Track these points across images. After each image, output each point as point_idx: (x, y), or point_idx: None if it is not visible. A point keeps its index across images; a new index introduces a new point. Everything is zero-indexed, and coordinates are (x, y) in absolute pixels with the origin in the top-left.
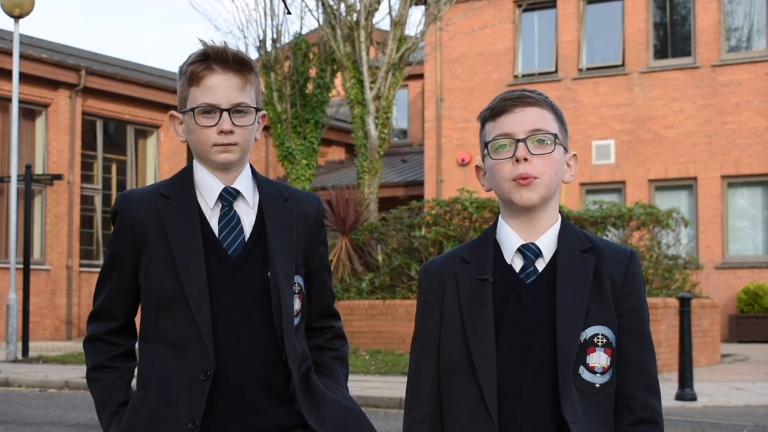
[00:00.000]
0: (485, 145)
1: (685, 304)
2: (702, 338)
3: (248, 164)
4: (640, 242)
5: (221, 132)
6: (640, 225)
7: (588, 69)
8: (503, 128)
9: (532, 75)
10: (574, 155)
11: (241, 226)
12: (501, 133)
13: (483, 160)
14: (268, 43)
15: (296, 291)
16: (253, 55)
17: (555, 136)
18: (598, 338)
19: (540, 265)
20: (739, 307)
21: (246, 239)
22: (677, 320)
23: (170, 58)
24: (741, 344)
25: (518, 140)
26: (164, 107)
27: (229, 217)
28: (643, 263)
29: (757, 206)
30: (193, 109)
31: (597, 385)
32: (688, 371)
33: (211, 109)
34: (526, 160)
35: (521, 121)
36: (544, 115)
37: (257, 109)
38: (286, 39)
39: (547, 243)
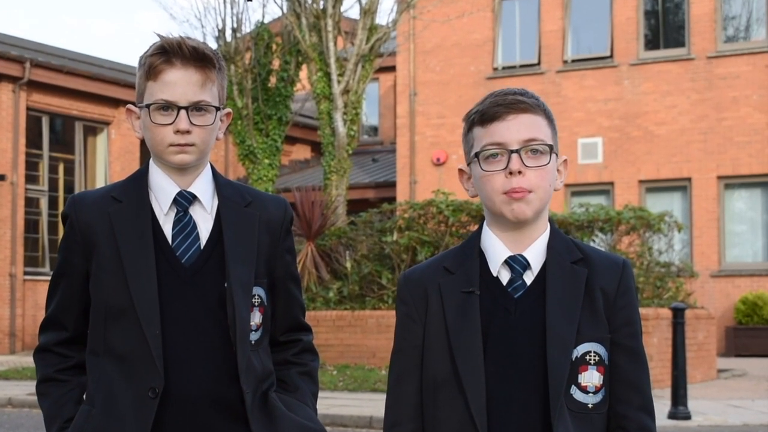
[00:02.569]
0: (475, 154)
1: (678, 315)
2: (697, 352)
3: (209, 166)
4: (629, 248)
5: (178, 131)
6: (629, 229)
7: (573, 61)
8: (495, 137)
9: (513, 67)
10: (565, 160)
11: (197, 233)
12: (492, 142)
13: (468, 165)
14: (228, 32)
15: (256, 303)
16: (212, 45)
17: (550, 147)
18: (590, 356)
19: (528, 277)
20: (736, 318)
21: (202, 247)
22: (670, 332)
23: (122, 49)
24: (739, 358)
25: (512, 151)
26: (115, 102)
27: (184, 223)
28: (633, 271)
29: (756, 209)
30: (148, 105)
31: (590, 406)
32: (682, 388)
33: (168, 106)
34: (520, 173)
35: (515, 129)
36: (538, 123)
37: (218, 108)
38: (247, 28)
39: (536, 254)
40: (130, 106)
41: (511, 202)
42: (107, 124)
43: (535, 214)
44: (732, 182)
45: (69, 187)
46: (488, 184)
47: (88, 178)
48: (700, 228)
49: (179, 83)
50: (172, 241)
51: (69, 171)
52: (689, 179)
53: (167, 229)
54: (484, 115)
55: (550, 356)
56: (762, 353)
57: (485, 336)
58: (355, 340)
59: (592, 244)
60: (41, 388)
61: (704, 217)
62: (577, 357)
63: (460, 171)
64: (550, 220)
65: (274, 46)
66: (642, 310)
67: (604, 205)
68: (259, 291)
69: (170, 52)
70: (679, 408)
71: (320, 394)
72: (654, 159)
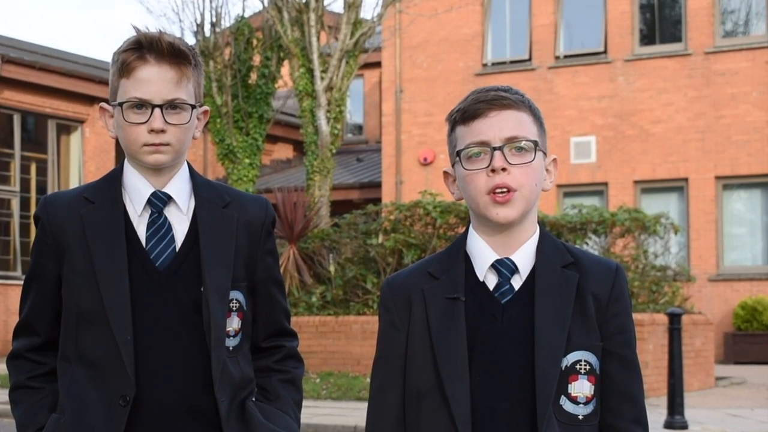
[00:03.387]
0: (457, 153)
1: (674, 321)
2: (694, 359)
3: (185, 165)
4: (624, 251)
5: (152, 131)
6: (624, 232)
7: (566, 57)
8: (477, 135)
9: (503, 63)
10: (554, 159)
11: (172, 235)
12: (475, 140)
13: (453, 167)
14: (207, 27)
15: (233, 308)
16: (190, 40)
17: (535, 143)
18: (580, 365)
19: (516, 282)
20: (735, 324)
21: (177, 250)
22: (666, 339)
23: (97, 45)
24: (738, 366)
25: (494, 148)
26: (90, 100)
27: (158, 225)
28: (628, 275)
29: (756, 211)
30: (122, 104)
31: (580, 417)
32: (679, 396)
33: (141, 105)
34: (504, 170)
35: (497, 126)
36: (523, 119)
37: (194, 106)
38: (226, 23)
39: (524, 258)
40: (103, 104)
41: (496, 205)
42: (81, 122)
43: (521, 215)
44: (730, 183)
45: (42, 188)
46: (471, 184)
47: (62, 179)
48: (697, 230)
49: (153, 81)
50: (146, 243)
51: (42, 171)
52: (686, 179)
53: (141, 231)
54: (465, 113)
55: (539, 364)
56: (762, 360)
57: (471, 344)
58: (339, 347)
59: (585, 246)
60: (14, 395)
61: (702, 219)
62: (567, 366)
63: (445, 174)
64: (540, 223)
65: (254, 42)
66: (637, 316)
67: (598, 206)
68: (237, 295)
69: (144, 48)
70: (675, 417)
71: (303, 403)
72: (649, 158)
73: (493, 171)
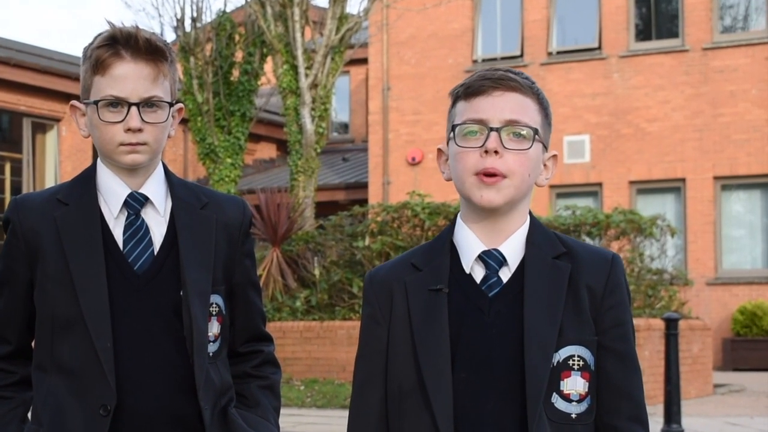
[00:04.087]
0: (452, 127)
1: (671, 326)
2: (691, 365)
3: (161, 165)
4: (619, 254)
5: (128, 130)
6: (619, 234)
7: (558, 53)
8: (477, 112)
9: (494, 60)
10: (554, 155)
11: (150, 238)
12: (473, 117)
13: (447, 144)
14: (187, 22)
15: (213, 312)
16: (170, 36)
17: (535, 131)
18: (573, 360)
19: (505, 274)
20: (734, 329)
21: (155, 253)
22: (662, 345)
23: (74, 41)
24: (737, 373)
25: (491, 129)
26: (67, 97)
27: (136, 227)
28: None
29: (756, 212)
30: (96, 102)
31: (573, 416)
32: (676, 404)
33: (117, 103)
34: (496, 153)
35: (499, 107)
36: (527, 104)
37: (171, 104)
38: (207, 18)
39: (513, 248)
40: (74, 102)
41: (481, 186)
42: (57, 120)
43: (507, 203)
44: (729, 183)
45: (16, 189)
46: (461, 162)
47: (37, 179)
48: (694, 232)
49: (129, 78)
50: (123, 246)
51: (16, 171)
52: (683, 180)
53: (118, 233)
54: (469, 88)
55: (528, 360)
56: (761, 367)
57: (456, 339)
58: (324, 353)
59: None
60: None
61: (699, 221)
62: (558, 362)
63: (439, 151)
64: (531, 215)
65: (237, 37)
66: (633, 321)
67: (592, 207)
68: (216, 299)
69: (120, 44)
70: (672, 426)
71: (286, 410)
72: (645, 158)
73: (486, 152)
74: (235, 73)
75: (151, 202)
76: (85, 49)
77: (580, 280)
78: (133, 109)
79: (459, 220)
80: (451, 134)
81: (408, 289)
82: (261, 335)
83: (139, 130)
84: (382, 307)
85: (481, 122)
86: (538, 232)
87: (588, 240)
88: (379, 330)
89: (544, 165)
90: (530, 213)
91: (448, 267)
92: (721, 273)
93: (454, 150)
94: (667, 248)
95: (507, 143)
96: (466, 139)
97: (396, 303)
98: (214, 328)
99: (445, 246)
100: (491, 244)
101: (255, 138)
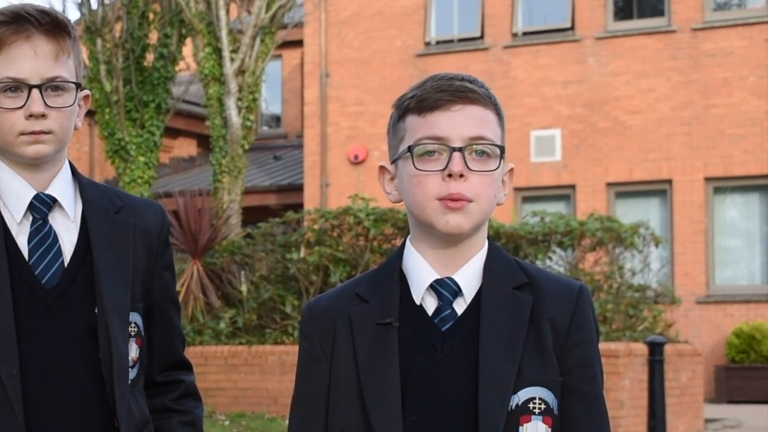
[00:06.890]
0: (408, 148)
1: (656, 352)
2: (679, 397)
3: (67, 162)
4: (595, 267)
5: (31, 116)
6: (595, 244)
7: (525, 34)
8: (435, 129)
9: (450, 42)
10: (511, 169)
11: (59, 247)
12: (430, 134)
13: (393, 163)
14: None
15: (132, 333)
16: (74, 14)
17: (501, 149)
18: (534, 404)
19: (459, 306)
20: (729, 355)
21: (65, 264)
22: (645, 373)
23: None
24: (732, 405)
25: (453, 149)
26: None
27: (43, 234)
28: (600, 296)
29: (753, 219)
30: None
31: None
32: None
33: (16, 86)
34: (461, 176)
35: (459, 123)
36: (488, 118)
37: (78, 86)
38: None
39: (469, 277)
40: None
41: (446, 212)
42: None
43: (474, 228)
44: (723, 185)
45: None
46: (419, 187)
47: None
48: (683, 243)
49: (29, 57)
50: (29, 257)
51: None
52: (670, 181)
53: (22, 242)
54: (423, 101)
55: (483, 402)
56: (760, 399)
57: (405, 378)
58: (253, 383)
59: (548, 262)
60: None
61: (688, 229)
62: (517, 404)
63: (381, 168)
64: (489, 237)
65: (151, 16)
66: (611, 345)
67: (564, 213)
68: (135, 318)
69: (13, 20)
70: None
71: None
72: (626, 156)
73: (449, 176)
74: (149, 57)
75: (60, 205)
76: None
77: (543, 314)
78: (35, 92)
79: (408, 245)
80: (406, 154)
81: (353, 323)
82: (181, 362)
83: (43, 116)
84: (323, 342)
85: (440, 140)
86: (497, 258)
87: (559, 250)
88: (319, 368)
89: (503, 181)
90: (488, 237)
91: (398, 297)
92: (714, 290)
93: (410, 172)
94: (650, 261)
95: (471, 164)
96: (424, 160)
97: (339, 338)
98: (132, 351)
99: (393, 274)
100: (445, 272)
101: (172, 133)
